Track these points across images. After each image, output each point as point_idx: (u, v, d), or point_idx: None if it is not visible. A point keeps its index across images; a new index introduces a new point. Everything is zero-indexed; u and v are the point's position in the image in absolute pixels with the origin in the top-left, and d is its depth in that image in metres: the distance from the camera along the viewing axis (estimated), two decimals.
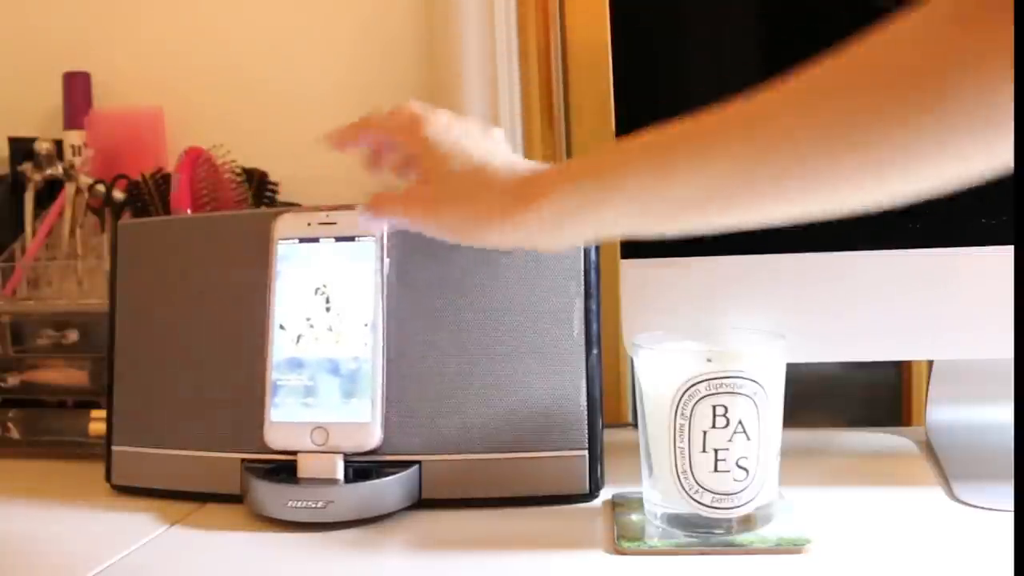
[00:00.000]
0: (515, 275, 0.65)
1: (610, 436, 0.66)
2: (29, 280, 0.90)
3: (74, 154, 1.00)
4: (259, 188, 0.93)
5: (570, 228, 0.51)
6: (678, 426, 0.56)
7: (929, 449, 0.73)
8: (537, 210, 0.51)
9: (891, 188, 0.42)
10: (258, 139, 0.99)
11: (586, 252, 0.65)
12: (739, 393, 0.55)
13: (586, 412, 0.64)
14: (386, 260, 0.66)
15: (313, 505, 0.61)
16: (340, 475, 0.63)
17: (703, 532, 0.56)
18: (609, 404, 0.89)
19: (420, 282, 0.66)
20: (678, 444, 0.56)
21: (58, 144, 0.98)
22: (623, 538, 0.57)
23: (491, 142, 0.56)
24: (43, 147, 0.94)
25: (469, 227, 0.54)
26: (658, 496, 0.58)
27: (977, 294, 0.64)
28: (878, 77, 0.40)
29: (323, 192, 0.97)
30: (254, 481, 0.64)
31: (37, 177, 0.94)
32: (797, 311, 0.62)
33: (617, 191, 0.48)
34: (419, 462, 0.64)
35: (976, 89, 0.37)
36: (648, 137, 0.48)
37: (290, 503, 0.62)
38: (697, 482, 0.56)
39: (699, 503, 0.56)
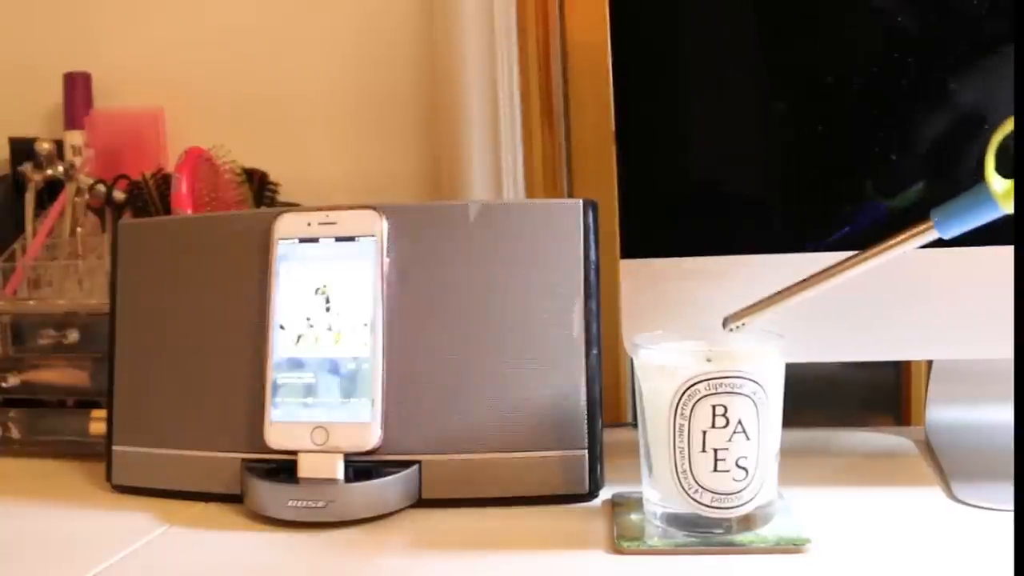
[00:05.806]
0: (515, 275, 0.65)
1: (610, 436, 0.66)
2: (30, 280, 0.90)
3: (74, 154, 1.00)
4: (259, 188, 0.93)
5: None
6: (678, 426, 0.56)
7: (928, 449, 0.73)
8: None
9: None
10: (258, 139, 0.99)
11: (586, 252, 0.65)
12: (739, 393, 0.55)
13: (586, 412, 0.64)
14: (386, 260, 0.66)
15: (313, 505, 0.61)
16: (340, 475, 0.63)
17: (703, 532, 0.56)
18: (609, 404, 0.89)
19: (420, 282, 0.66)
20: (678, 444, 0.56)
21: (58, 144, 0.98)
22: (623, 538, 0.57)
23: None
24: (43, 147, 0.94)
25: None
26: (658, 496, 0.58)
27: (977, 294, 0.64)
28: None
29: (323, 192, 0.97)
30: (254, 481, 0.64)
31: (37, 177, 0.94)
32: (797, 311, 0.61)
33: None
34: (419, 462, 0.64)
35: None
36: None
37: (290, 503, 0.62)
38: (697, 482, 0.56)
39: (699, 503, 0.56)
